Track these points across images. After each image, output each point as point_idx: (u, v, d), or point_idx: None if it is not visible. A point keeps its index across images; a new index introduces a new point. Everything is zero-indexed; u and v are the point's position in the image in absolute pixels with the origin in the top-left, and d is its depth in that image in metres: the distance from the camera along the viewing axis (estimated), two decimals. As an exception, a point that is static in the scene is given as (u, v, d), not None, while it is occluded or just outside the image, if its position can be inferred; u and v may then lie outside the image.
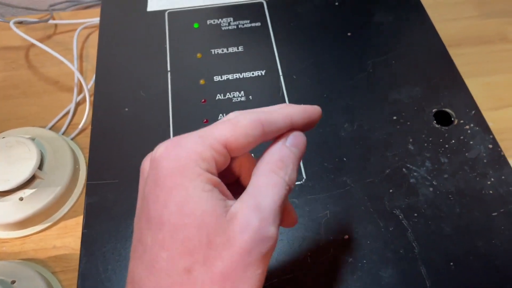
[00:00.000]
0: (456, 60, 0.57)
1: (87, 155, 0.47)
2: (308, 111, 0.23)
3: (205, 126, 0.36)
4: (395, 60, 0.41)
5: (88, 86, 0.51)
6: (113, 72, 0.41)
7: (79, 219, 0.43)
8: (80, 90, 0.52)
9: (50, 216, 0.43)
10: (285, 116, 0.22)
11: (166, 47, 0.43)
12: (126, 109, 0.38)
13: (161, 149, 0.20)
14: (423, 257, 0.31)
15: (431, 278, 0.30)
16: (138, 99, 0.39)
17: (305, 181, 0.34)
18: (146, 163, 0.21)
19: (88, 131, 0.49)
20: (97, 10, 0.62)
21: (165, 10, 0.46)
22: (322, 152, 0.36)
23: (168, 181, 0.19)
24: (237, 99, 0.39)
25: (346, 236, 0.32)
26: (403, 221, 0.32)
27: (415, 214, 0.32)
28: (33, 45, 0.56)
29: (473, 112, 0.37)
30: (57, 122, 0.50)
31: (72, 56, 0.55)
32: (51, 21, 0.57)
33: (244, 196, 0.20)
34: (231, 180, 0.24)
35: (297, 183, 0.34)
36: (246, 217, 0.18)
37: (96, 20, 0.58)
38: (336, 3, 0.46)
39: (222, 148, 0.20)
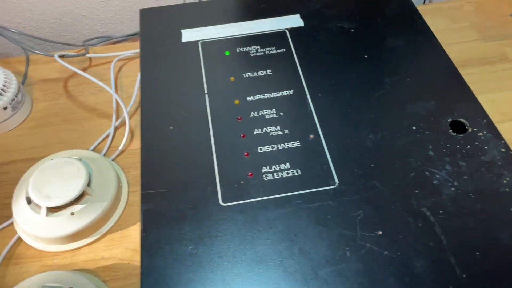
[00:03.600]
0: (461, 80, 0.61)
1: (129, 174, 0.51)
2: None
3: (243, 140, 0.41)
4: (409, 78, 0.45)
5: (128, 109, 0.55)
6: (155, 95, 0.45)
7: (124, 232, 0.47)
8: (118, 115, 0.56)
9: (98, 230, 0.46)
10: None
11: (202, 72, 0.47)
12: (171, 128, 0.42)
13: None
14: (451, 248, 0.34)
15: (459, 266, 0.33)
16: (181, 118, 0.43)
17: (338, 186, 0.38)
18: None
19: (127, 153, 0.53)
20: (127, 44, 0.67)
21: (198, 41, 0.51)
22: (351, 160, 0.39)
23: None
24: (269, 115, 0.43)
25: (380, 232, 0.35)
26: (430, 218, 0.36)
27: (441, 211, 0.36)
28: (71, 76, 0.61)
29: (484, 121, 0.41)
30: (97, 145, 0.54)
31: (108, 85, 0.59)
32: (87, 55, 0.62)
33: None
34: None
35: (331, 187, 0.38)
36: None
37: (128, 53, 0.63)
38: (352, 30, 0.51)
39: None
